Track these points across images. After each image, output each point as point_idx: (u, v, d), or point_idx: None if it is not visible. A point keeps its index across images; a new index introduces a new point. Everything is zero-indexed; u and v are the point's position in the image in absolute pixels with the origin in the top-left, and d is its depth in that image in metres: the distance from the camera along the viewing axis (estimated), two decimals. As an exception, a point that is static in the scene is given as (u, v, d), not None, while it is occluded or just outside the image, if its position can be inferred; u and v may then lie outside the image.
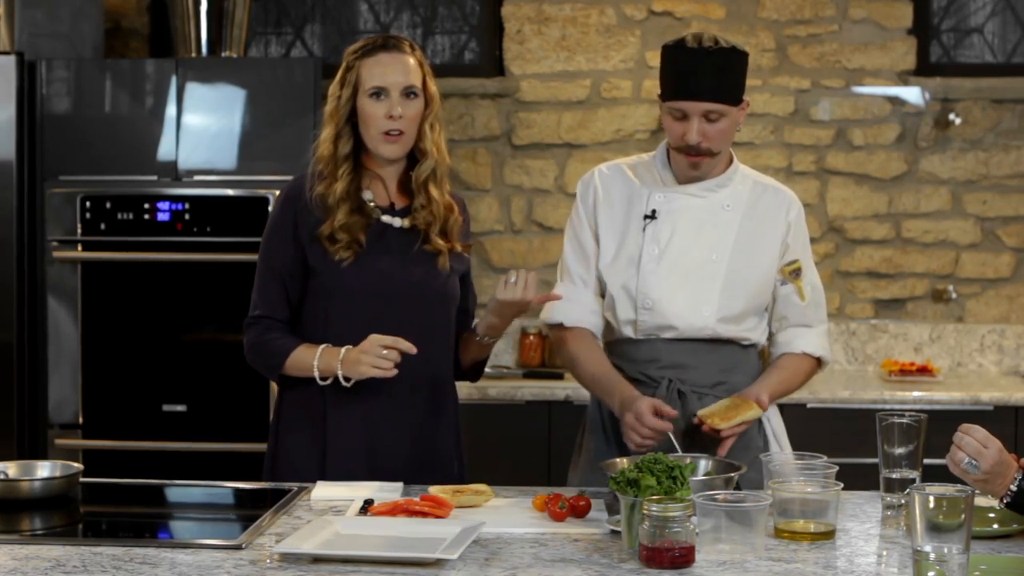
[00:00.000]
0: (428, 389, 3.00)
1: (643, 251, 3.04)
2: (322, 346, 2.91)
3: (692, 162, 3.00)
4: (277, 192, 3.30)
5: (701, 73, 2.93)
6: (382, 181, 3.01)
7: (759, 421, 3.07)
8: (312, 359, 2.90)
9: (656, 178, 3.09)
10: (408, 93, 2.95)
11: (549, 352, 5.00)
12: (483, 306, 3.00)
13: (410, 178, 3.01)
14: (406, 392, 2.96)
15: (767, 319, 3.12)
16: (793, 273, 3.09)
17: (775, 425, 3.11)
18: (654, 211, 3.06)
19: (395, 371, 2.83)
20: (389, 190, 3.01)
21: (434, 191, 2.99)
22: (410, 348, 2.82)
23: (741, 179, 3.10)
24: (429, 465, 2.99)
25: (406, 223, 2.99)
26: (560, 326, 3.14)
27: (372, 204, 2.97)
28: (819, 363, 3.15)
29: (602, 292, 3.12)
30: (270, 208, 3.74)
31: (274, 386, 3.11)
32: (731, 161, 3.10)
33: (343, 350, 2.88)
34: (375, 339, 2.84)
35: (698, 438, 2.95)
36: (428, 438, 3.00)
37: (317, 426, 2.97)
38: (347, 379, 2.88)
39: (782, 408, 3.19)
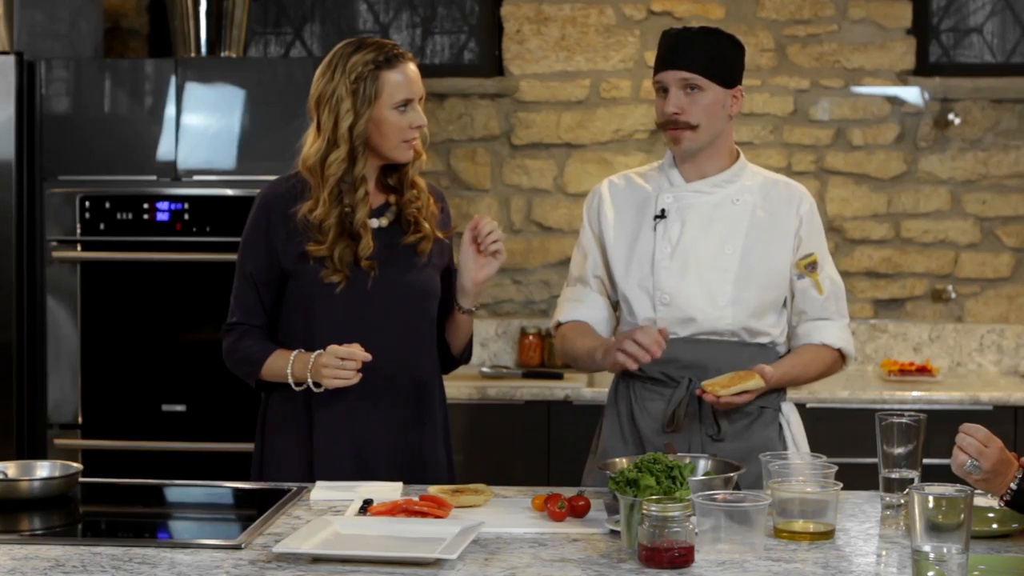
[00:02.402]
0: (412, 387, 3.00)
1: (655, 249, 3.06)
2: (294, 353, 2.92)
3: (672, 135, 3.05)
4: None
5: (682, 47, 3.03)
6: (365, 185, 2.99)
7: (779, 425, 3.07)
8: (285, 367, 2.91)
9: (664, 179, 3.12)
10: (420, 99, 2.97)
11: (548, 352, 5.00)
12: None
13: (384, 176, 3.01)
14: (390, 390, 2.96)
15: (786, 317, 3.12)
16: (809, 267, 3.09)
17: (795, 429, 3.11)
18: (663, 210, 3.09)
19: (358, 377, 2.83)
20: (370, 192, 2.98)
21: (420, 180, 3.03)
22: (366, 356, 2.82)
23: (750, 175, 3.13)
24: (416, 463, 2.98)
25: (383, 222, 2.98)
26: (558, 325, 3.18)
27: (377, 227, 2.97)
28: (842, 357, 3.13)
29: (607, 293, 3.15)
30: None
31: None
32: (737, 156, 3.13)
33: (313, 357, 2.88)
34: (332, 350, 2.83)
35: (709, 445, 2.98)
36: (414, 436, 2.99)
37: (303, 427, 2.97)
38: (317, 385, 2.88)
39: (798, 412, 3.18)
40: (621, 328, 3.15)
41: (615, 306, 3.18)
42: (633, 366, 2.88)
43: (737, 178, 3.10)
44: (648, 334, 2.86)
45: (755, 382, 2.91)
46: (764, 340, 3.07)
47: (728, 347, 3.03)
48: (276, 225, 2.96)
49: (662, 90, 3.04)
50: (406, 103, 2.92)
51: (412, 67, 2.95)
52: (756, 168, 3.17)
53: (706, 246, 3.05)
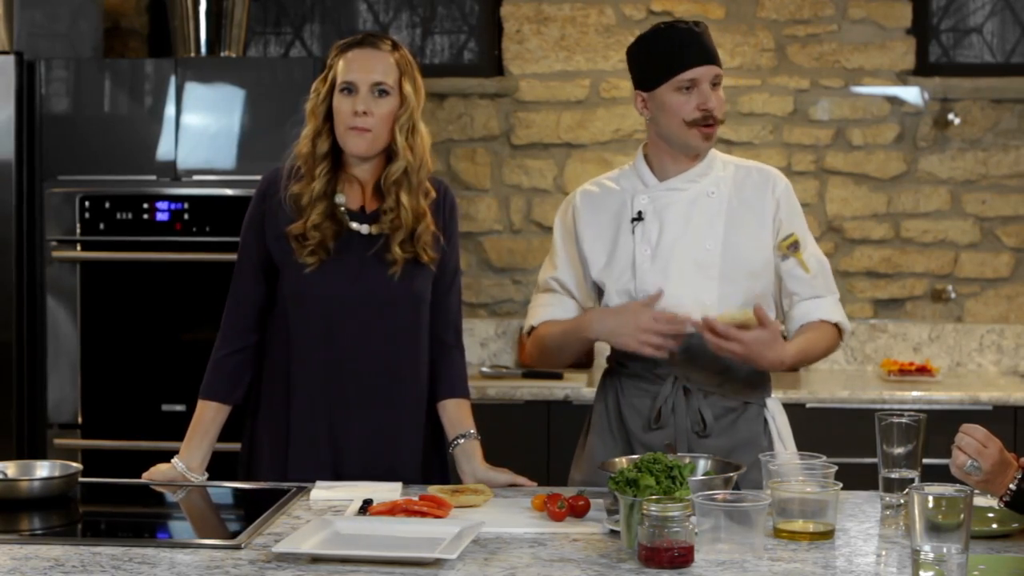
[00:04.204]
0: (395, 392, 2.97)
1: (636, 253, 3.05)
2: (180, 464, 2.99)
3: (707, 133, 3.02)
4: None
5: (700, 43, 3.01)
6: (359, 183, 2.97)
7: (764, 420, 3.07)
8: (183, 450, 3.02)
9: (637, 180, 3.10)
10: (379, 91, 2.90)
11: (548, 352, 5.00)
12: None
13: (313, 162, 2.97)
14: (371, 396, 2.94)
15: (775, 307, 3.11)
16: (791, 247, 3.07)
17: (780, 424, 3.10)
18: (640, 212, 3.07)
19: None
20: (365, 193, 2.97)
21: (404, 196, 2.93)
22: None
23: (722, 165, 3.12)
24: (399, 467, 2.95)
25: (374, 229, 2.94)
26: (532, 330, 3.18)
27: (343, 209, 2.93)
28: (839, 331, 3.11)
29: (579, 300, 3.15)
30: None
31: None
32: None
33: (175, 467, 2.99)
34: (160, 472, 2.98)
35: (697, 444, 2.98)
36: (397, 440, 2.97)
37: (281, 429, 2.97)
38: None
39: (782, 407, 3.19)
40: None
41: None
42: (664, 355, 2.92)
43: (710, 170, 3.09)
44: (668, 321, 2.89)
45: (742, 315, 2.90)
46: None
47: None
48: (270, 215, 2.96)
49: (685, 88, 2.99)
50: (348, 86, 2.90)
51: (366, 52, 2.91)
52: (726, 157, 3.16)
53: (687, 245, 3.03)
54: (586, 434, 3.19)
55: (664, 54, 3.01)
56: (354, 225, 2.93)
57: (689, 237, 3.04)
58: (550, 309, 3.15)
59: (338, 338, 2.92)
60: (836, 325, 3.09)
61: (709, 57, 3.01)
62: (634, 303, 2.97)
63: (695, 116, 2.99)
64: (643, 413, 3.04)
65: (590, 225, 3.11)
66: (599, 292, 3.11)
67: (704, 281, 3.01)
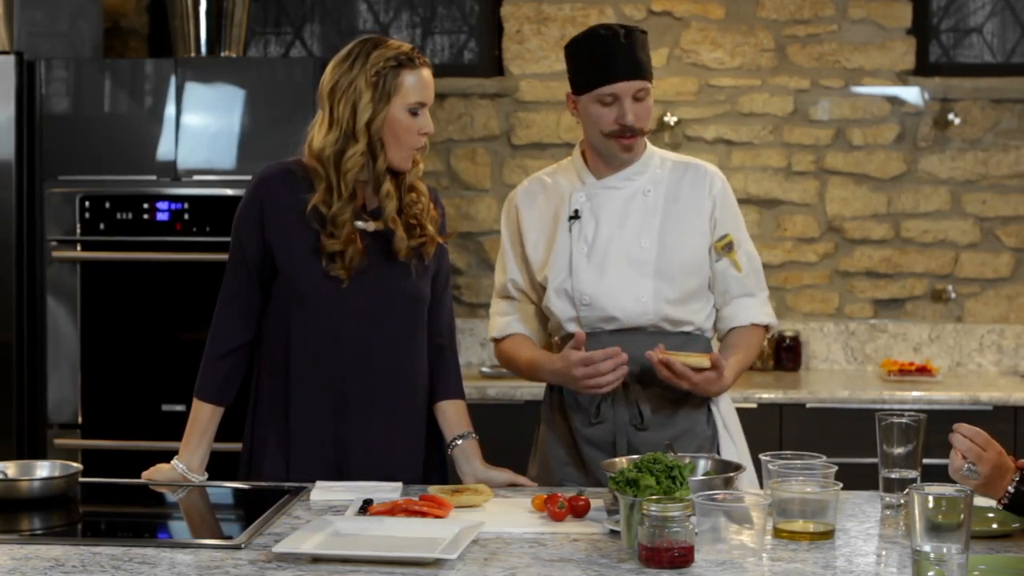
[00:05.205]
0: (395, 393, 2.96)
1: (572, 251, 3.07)
2: (180, 465, 2.98)
3: (627, 144, 3.04)
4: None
5: (625, 55, 3.00)
6: (359, 183, 2.96)
7: (708, 411, 3.08)
8: (182, 445, 3.02)
9: (575, 178, 3.13)
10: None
11: (548, 352, 5.00)
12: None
13: (377, 181, 2.97)
14: (371, 396, 2.94)
15: (712, 301, 3.13)
16: (725, 248, 3.10)
17: (725, 414, 3.11)
18: (576, 211, 3.09)
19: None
20: (365, 194, 2.96)
21: (420, 184, 3.00)
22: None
23: (660, 162, 3.13)
24: (397, 468, 2.94)
25: (379, 225, 2.94)
26: (495, 340, 3.22)
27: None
28: (767, 330, 3.17)
29: (534, 302, 3.17)
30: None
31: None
32: (644, 146, 3.13)
33: (175, 467, 2.98)
34: (160, 471, 2.99)
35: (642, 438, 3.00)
36: (394, 441, 2.97)
37: (281, 430, 2.96)
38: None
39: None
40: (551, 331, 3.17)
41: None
42: (606, 391, 2.94)
43: (646, 168, 3.11)
44: (609, 361, 2.89)
45: (697, 360, 2.92)
46: (688, 328, 3.07)
47: (653, 338, 3.02)
48: (271, 214, 2.95)
49: (610, 100, 2.99)
50: (419, 106, 2.91)
51: (428, 73, 2.95)
52: (664, 153, 3.17)
53: (622, 243, 3.05)
54: (538, 431, 3.21)
55: (591, 63, 3.03)
56: (359, 223, 2.93)
57: (624, 235, 3.06)
58: (508, 319, 3.19)
59: (342, 338, 2.91)
60: (765, 326, 3.16)
61: (636, 71, 3.00)
62: (565, 358, 2.94)
63: (612, 129, 3.01)
64: (584, 408, 3.06)
65: (532, 225, 3.14)
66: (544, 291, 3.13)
67: (639, 280, 3.03)
